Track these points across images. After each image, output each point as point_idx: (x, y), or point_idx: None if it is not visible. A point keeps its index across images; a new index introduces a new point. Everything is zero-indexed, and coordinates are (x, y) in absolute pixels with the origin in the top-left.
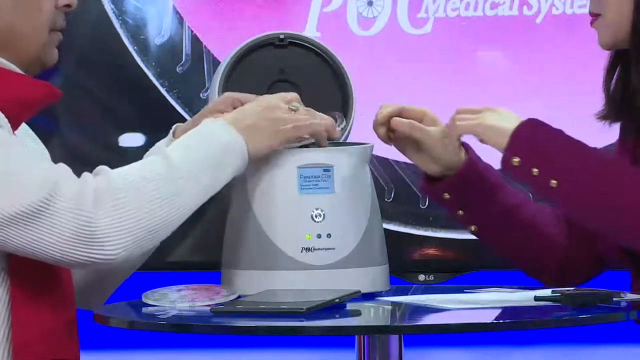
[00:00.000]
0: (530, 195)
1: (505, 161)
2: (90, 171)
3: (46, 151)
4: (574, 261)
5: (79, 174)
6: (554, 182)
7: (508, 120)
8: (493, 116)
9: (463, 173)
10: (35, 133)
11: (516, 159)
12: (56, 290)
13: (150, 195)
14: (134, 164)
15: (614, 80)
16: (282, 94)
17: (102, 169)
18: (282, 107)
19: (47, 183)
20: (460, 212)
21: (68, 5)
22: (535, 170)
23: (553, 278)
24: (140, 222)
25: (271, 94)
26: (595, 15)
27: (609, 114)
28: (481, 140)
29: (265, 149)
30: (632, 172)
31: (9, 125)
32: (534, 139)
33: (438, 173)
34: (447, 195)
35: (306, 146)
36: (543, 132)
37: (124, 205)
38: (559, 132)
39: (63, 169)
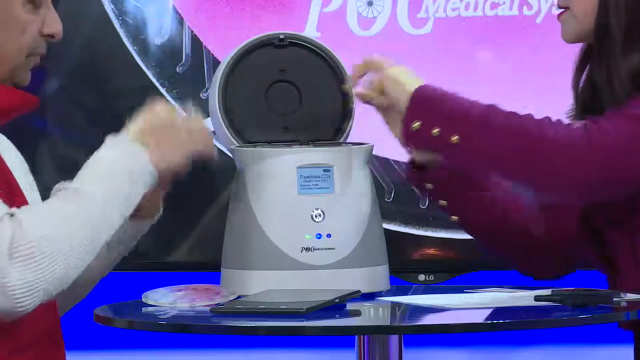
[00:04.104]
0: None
1: (405, 129)
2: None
3: (20, 159)
4: (546, 255)
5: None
6: (454, 138)
7: (409, 78)
8: (396, 69)
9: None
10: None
11: (416, 123)
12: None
13: (63, 245)
14: (47, 206)
15: (582, 79)
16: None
17: (17, 212)
18: (177, 118)
19: None
20: (443, 202)
21: (52, 36)
22: (435, 130)
23: (526, 270)
24: (54, 273)
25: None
26: (563, 9)
27: (578, 113)
28: (383, 92)
29: (171, 169)
30: (534, 120)
31: None
32: (432, 100)
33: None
34: (429, 186)
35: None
36: (440, 93)
37: (37, 259)
38: (455, 93)
39: None
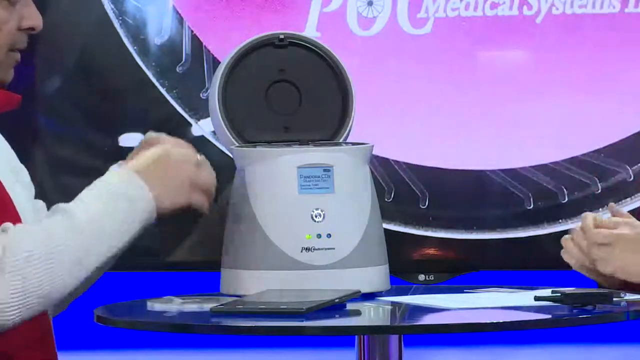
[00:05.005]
0: None
1: None
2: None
3: (11, 154)
4: None
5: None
6: None
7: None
8: (627, 250)
9: None
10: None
11: None
12: None
13: (52, 264)
14: (41, 224)
15: None
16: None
17: (8, 227)
18: (191, 160)
19: None
20: None
21: (32, 28)
22: None
23: None
24: (41, 290)
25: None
26: None
27: None
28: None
29: (170, 207)
30: None
31: None
32: None
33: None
34: None
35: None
36: None
37: (25, 275)
38: None
39: None
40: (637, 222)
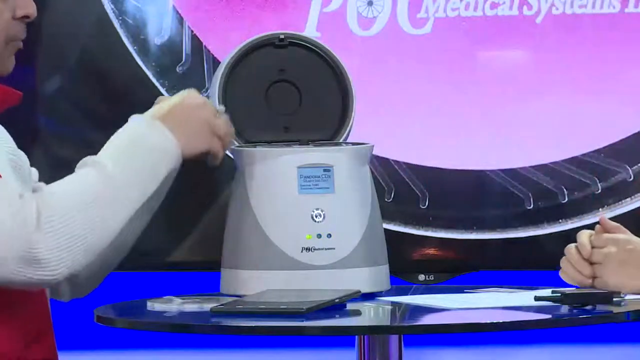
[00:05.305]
0: None
1: None
2: None
3: (11, 143)
4: None
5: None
6: None
7: (633, 268)
8: (615, 266)
9: None
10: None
11: None
12: (25, 304)
13: (89, 215)
14: (70, 179)
15: None
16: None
17: (41, 186)
18: (209, 107)
19: None
20: None
21: (26, 16)
22: None
23: None
24: (81, 241)
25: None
26: None
27: None
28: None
29: (194, 152)
30: None
31: None
32: None
33: None
34: None
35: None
36: None
37: (65, 227)
38: None
39: (9, 188)
40: (623, 235)
